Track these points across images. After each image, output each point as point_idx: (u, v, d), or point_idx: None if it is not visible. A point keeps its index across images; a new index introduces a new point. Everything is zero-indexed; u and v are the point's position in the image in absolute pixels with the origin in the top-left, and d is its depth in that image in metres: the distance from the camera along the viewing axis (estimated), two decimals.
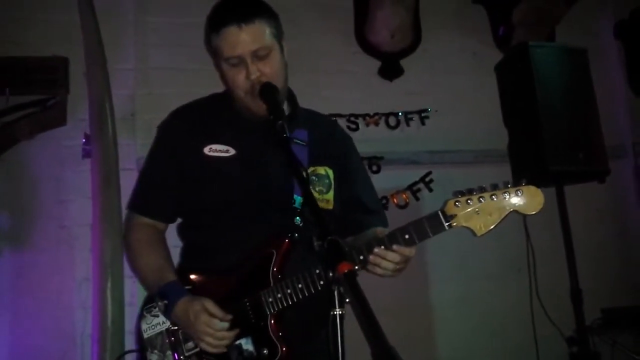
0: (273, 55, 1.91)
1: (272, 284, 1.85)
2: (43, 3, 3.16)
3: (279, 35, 1.95)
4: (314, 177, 1.99)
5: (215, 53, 1.95)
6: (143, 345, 1.96)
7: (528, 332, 3.25)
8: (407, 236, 1.78)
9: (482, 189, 1.78)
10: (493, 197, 1.76)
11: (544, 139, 2.94)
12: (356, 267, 1.32)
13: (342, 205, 2.06)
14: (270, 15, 1.93)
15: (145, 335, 1.95)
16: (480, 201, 1.76)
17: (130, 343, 2.73)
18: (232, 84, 1.93)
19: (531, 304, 3.26)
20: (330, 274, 1.32)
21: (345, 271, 1.28)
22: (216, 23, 1.90)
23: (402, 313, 3.15)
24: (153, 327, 1.95)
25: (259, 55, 1.87)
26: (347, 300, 1.30)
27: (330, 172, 2.03)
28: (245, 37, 1.85)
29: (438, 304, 3.36)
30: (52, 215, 3.00)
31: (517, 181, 1.79)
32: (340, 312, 1.32)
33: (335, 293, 1.32)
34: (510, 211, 1.77)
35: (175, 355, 1.91)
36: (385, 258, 1.77)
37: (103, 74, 3.01)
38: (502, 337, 3.35)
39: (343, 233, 2.03)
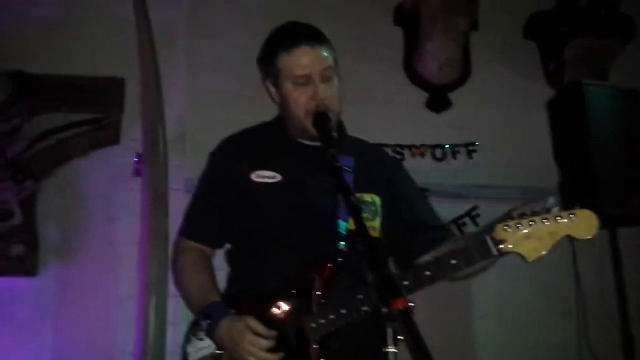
0: (335, 80, 1.95)
1: (314, 309, 1.84)
2: (101, 24, 3.28)
3: (337, 63, 1.99)
4: (360, 204, 1.98)
5: (277, 73, 1.97)
6: None
7: None
8: (453, 261, 1.74)
9: (533, 213, 1.70)
10: (544, 220, 1.67)
11: (596, 180, 2.88)
12: (411, 304, 1.28)
13: (405, 230, 2.04)
14: (331, 43, 1.99)
15: (190, 359, 1.96)
16: (530, 225, 1.67)
17: None
18: (293, 104, 1.95)
19: (580, 350, 3.16)
20: (385, 310, 1.29)
21: (401, 307, 1.25)
22: (288, 42, 1.94)
23: (442, 350, 3.07)
24: (198, 350, 1.95)
25: (325, 76, 1.91)
26: (400, 337, 1.27)
27: (377, 200, 2.03)
28: (316, 56, 1.90)
29: (481, 343, 3.28)
30: (101, 232, 3.07)
31: (569, 205, 1.70)
32: (393, 350, 1.29)
33: (389, 330, 1.29)
34: (563, 235, 1.67)
35: None
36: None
37: (157, 96, 3.08)
38: None
39: (413, 256, 2.00)
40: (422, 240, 2.01)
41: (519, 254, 1.70)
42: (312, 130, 1.91)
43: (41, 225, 3.03)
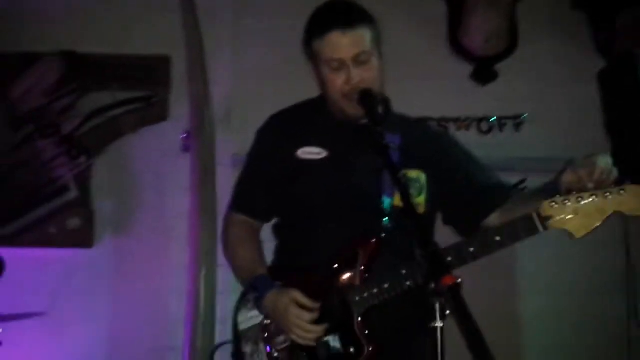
0: (372, 61, 1.93)
1: (358, 283, 1.87)
2: (149, 4, 3.33)
3: (378, 40, 1.97)
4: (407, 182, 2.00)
5: (315, 56, 1.99)
6: (238, 337, 2.03)
7: (622, 355, 3.10)
8: (497, 238, 1.72)
9: (581, 189, 1.65)
10: (593, 197, 1.63)
11: None
12: (459, 280, 1.29)
13: (465, 196, 2.01)
14: (371, 22, 1.95)
15: (241, 328, 2.02)
16: (578, 201, 1.63)
17: (220, 330, 2.86)
18: (330, 87, 1.96)
19: (628, 326, 3.11)
20: (433, 286, 1.31)
21: (450, 284, 1.26)
22: (320, 27, 1.93)
23: (488, 321, 3.07)
24: (248, 320, 2.01)
25: (359, 61, 1.90)
26: (448, 312, 1.29)
27: (423, 176, 2.03)
28: (348, 42, 1.88)
29: (527, 315, 3.26)
30: (152, 206, 3.18)
31: (619, 180, 1.64)
32: (441, 326, 1.31)
33: (437, 306, 1.30)
34: (612, 212, 1.62)
35: (268, 348, 1.97)
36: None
37: (203, 74, 3.14)
38: (594, 356, 3.21)
39: (478, 220, 1.99)
40: (484, 203, 1.98)
41: (566, 230, 1.67)
42: (350, 111, 1.93)
43: (96, 200, 3.16)
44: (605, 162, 1.63)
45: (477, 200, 2.00)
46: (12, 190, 3.14)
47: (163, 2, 3.29)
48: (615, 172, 1.64)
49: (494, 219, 1.98)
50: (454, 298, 1.25)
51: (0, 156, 3.16)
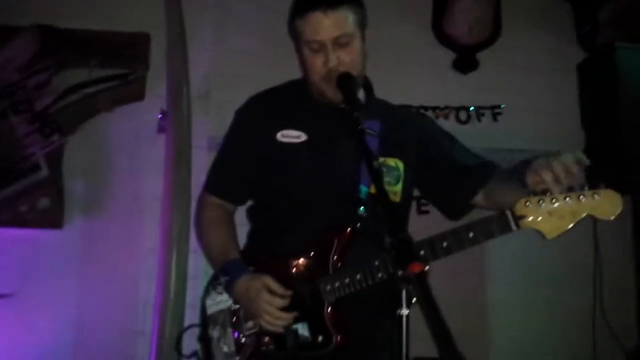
0: (354, 44, 1.91)
1: (330, 272, 1.86)
2: None
3: (362, 23, 1.95)
4: (383, 168, 1.98)
5: (297, 37, 1.97)
6: (206, 321, 2.02)
7: (587, 343, 3.14)
8: (471, 234, 1.74)
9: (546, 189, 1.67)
10: (567, 199, 1.66)
11: (623, 145, 2.83)
12: (427, 268, 1.29)
13: (450, 179, 2.03)
14: (355, 3, 1.94)
15: (209, 312, 2.02)
16: (552, 202, 1.67)
17: (190, 315, 2.84)
18: (310, 68, 1.95)
19: (593, 315, 3.14)
20: (400, 273, 1.31)
21: (417, 271, 1.26)
22: (302, 7, 1.92)
23: (457, 310, 3.08)
24: (217, 304, 2.01)
25: (340, 43, 1.88)
26: (414, 300, 1.29)
27: (401, 165, 2.02)
28: (329, 23, 1.86)
29: (495, 304, 3.28)
30: (125, 187, 3.12)
31: (594, 184, 1.68)
32: (407, 313, 1.31)
33: (404, 293, 1.30)
34: (584, 215, 1.67)
35: (235, 333, 1.96)
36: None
37: (182, 53, 3.09)
38: (560, 346, 3.24)
39: (465, 201, 2.02)
40: (468, 185, 2.00)
41: (538, 231, 1.70)
42: (329, 94, 1.91)
43: (67, 179, 3.09)
44: (563, 162, 1.61)
45: (460, 182, 2.02)
46: None
47: None
48: (575, 170, 1.62)
49: (479, 199, 1.99)
50: (421, 286, 1.25)
51: None
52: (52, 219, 3.03)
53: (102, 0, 3.23)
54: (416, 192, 2.93)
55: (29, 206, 3.02)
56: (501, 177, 1.93)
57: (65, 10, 3.18)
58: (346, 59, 1.89)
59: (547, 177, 1.61)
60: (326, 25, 1.86)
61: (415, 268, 1.26)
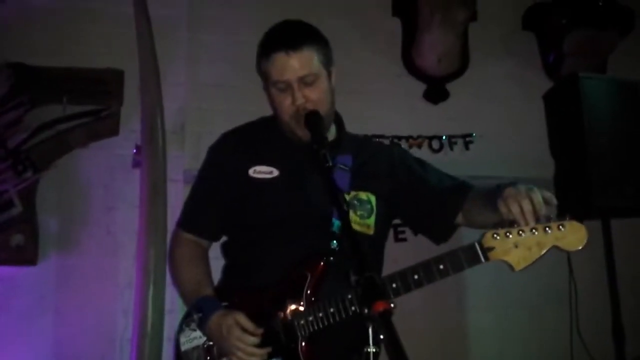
0: (319, 82, 1.94)
1: (304, 306, 1.87)
2: (101, 17, 3.29)
3: (327, 62, 1.98)
4: (355, 202, 2.01)
5: (264, 77, 2.00)
6: (179, 358, 2.01)
7: None
8: (441, 266, 1.76)
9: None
10: (533, 230, 1.70)
11: (590, 172, 2.89)
12: (392, 305, 1.31)
13: (427, 205, 2.06)
14: (319, 42, 1.97)
15: (183, 349, 2.00)
16: (520, 235, 1.70)
17: (167, 349, 2.82)
18: (279, 108, 1.98)
19: (571, 338, 3.17)
20: (365, 311, 1.32)
21: (381, 310, 1.27)
22: (266, 48, 1.95)
23: (436, 337, 3.13)
24: (190, 340, 1.99)
25: (305, 82, 1.91)
26: (382, 337, 1.30)
27: (373, 198, 2.04)
28: (293, 64, 1.89)
29: (474, 330, 3.32)
30: (100, 222, 3.11)
31: (560, 215, 1.72)
32: (374, 350, 1.32)
33: (370, 331, 1.32)
34: (551, 246, 1.70)
35: None
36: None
37: (156, 88, 3.10)
38: None
39: (446, 224, 2.04)
40: (448, 206, 2.02)
41: (506, 262, 1.73)
42: (299, 132, 1.94)
43: (41, 215, 3.07)
44: (532, 200, 1.67)
45: (439, 206, 2.04)
46: None
47: (116, 15, 3.25)
48: (543, 211, 1.68)
49: (459, 219, 2.02)
50: (384, 324, 1.26)
51: None
52: (26, 256, 3.00)
53: (74, 37, 3.25)
54: (395, 221, 2.99)
55: (2, 243, 2.99)
56: (478, 197, 1.96)
57: (36, 48, 3.19)
58: (313, 97, 1.92)
59: (515, 210, 1.67)
60: (290, 65, 1.89)
61: (379, 307, 1.27)
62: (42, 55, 3.17)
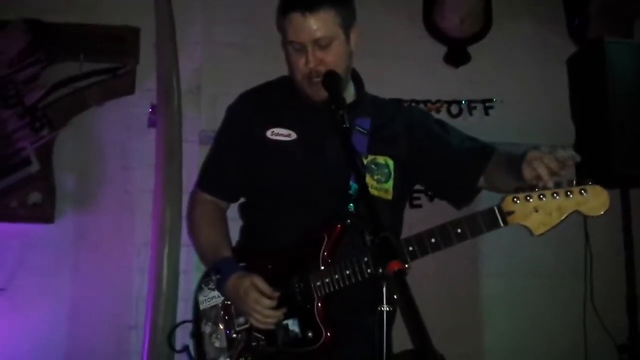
0: (335, 45, 1.90)
1: (321, 268, 1.87)
2: None
3: (346, 23, 1.93)
4: (373, 166, 1.99)
5: (282, 33, 1.97)
6: (198, 316, 2.04)
7: (579, 336, 3.17)
8: (459, 230, 1.74)
9: (543, 186, 1.69)
10: (555, 195, 1.66)
11: (612, 139, 2.84)
12: (406, 266, 1.30)
13: (449, 167, 2.03)
14: (339, 3, 1.92)
15: (201, 307, 2.03)
16: (540, 199, 1.67)
17: (181, 309, 2.86)
18: (293, 67, 1.96)
19: (584, 308, 3.17)
20: (380, 271, 1.32)
21: (395, 270, 1.27)
22: (284, 7, 1.92)
23: (449, 303, 3.14)
24: (209, 299, 2.02)
25: (320, 44, 1.88)
26: (395, 297, 1.30)
27: (390, 162, 2.02)
28: (308, 26, 1.86)
29: (487, 298, 3.31)
30: (116, 180, 3.12)
31: (581, 180, 1.68)
32: (387, 309, 1.32)
33: (384, 290, 1.31)
34: (572, 211, 1.67)
35: (227, 329, 1.97)
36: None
37: (172, 47, 3.08)
38: (551, 339, 3.27)
39: (470, 187, 2.02)
40: (470, 169, 2.00)
41: (525, 227, 1.71)
42: (310, 93, 1.92)
43: (58, 173, 3.08)
44: (557, 157, 1.63)
45: (461, 168, 2.01)
46: None
47: None
48: (569, 164, 1.65)
49: (481, 182, 2.00)
50: (399, 284, 1.25)
51: None
52: (43, 214, 3.03)
53: None
54: None
55: (20, 201, 3.02)
56: (501, 160, 1.93)
57: (53, 4, 3.17)
58: (327, 60, 1.89)
59: (542, 170, 1.63)
60: (306, 27, 1.86)
61: (394, 266, 1.27)
62: (58, 12, 3.14)
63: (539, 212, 1.69)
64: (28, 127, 3.08)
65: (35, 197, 3.02)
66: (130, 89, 3.20)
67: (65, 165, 3.10)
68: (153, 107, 3.08)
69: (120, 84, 3.20)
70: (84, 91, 3.15)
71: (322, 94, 1.86)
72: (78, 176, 3.12)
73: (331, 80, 1.86)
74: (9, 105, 3.11)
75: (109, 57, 3.19)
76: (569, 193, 1.66)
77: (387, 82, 3.20)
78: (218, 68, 3.25)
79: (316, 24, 1.86)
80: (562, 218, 1.68)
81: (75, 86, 3.14)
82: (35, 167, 3.04)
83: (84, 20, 3.15)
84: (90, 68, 3.14)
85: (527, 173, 1.67)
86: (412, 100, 3.34)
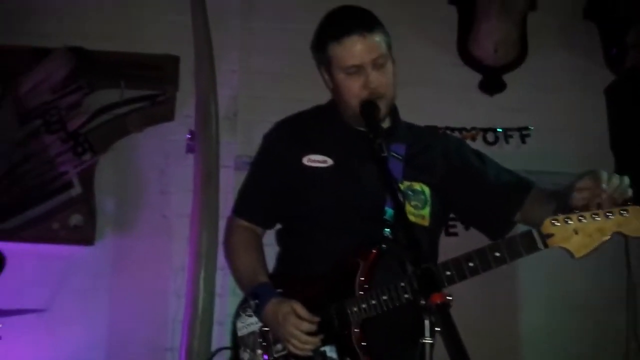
0: (388, 65, 1.94)
1: (357, 294, 1.87)
2: (159, 4, 3.35)
3: (390, 46, 1.97)
4: (409, 192, 1.98)
5: (328, 61, 1.98)
6: (236, 343, 2.03)
7: None
8: (497, 254, 1.71)
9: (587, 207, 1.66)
10: (594, 216, 1.62)
11: None
12: (449, 298, 1.30)
13: (485, 199, 2.02)
14: (383, 27, 1.96)
15: (239, 334, 2.03)
16: (580, 220, 1.63)
17: (216, 332, 2.87)
18: (346, 93, 1.95)
19: (627, 343, 3.09)
20: (422, 302, 1.31)
21: (439, 302, 1.26)
22: (338, 31, 1.92)
23: (488, 335, 3.08)
24: (247, 326, 2.02)
25: (377, 64, 1.90)
26: (438, 329, 1.29)
27: (427, 189, 2.02)
28: (367, 46, 1.88)
29: (526, 330, 3.24)
30: (154, 205, 3.18)
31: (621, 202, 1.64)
32: (430, 342, 1.31)
33: (426, 322, 1.30)
34: (613, 232, 1.62)
35: (265, 356, 1.97)
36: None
37: (210, 74, 3.14)
38: None
39: (505, 220, 1.99)
40: (507, 203, 1.98)
41: (566, 249, 1.67)
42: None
43: (98, 197, 3.16)
44: (614, 182, 1.62)
45: (498, 202, 1.99)
46: (17, 185, 3.15)
47: (174, 2, 3.30)
48: (627, 191, 1.63)
49: (517, 216, 1.98)
50: (442, 316, 1.24)
51: (6, 150, 3.17)
52: (84, 236, 3.11)
53: (131, 23, 3.32)
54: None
55: (62, 223, 3.10)
56: (539, 196, 1.91)
57: (95, 33, 3.28)
58: (383, 80, 1.91)
59: (590, 196, 1.63)
60: (365, 48, 1.88)
61: (437, 298, 1.26)
62: (100, 40, 3.25)
63: (579, 234, 1.65)
64: (71, 151, 3.18)
65: (76, 219, 3.10)
66: (169, 116, 3.27)
67: (106, 189, 3.19)
68: (191, 133, 3.15)
69: (160, 110, 3.28)
70: (125, 117, 3.24)
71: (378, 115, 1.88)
72: (118, 200, 3.20)
73: (368, 109, 1.87)
74: (52, 131, 3.21)
75: (149, 85, 3.28)
76: (609, 214, 1.63)
77: (422, 110, 3.20)
78: (254, 95, 3.32)
79: (374, 44, 1.89)
80: (604, 240, 1.64)
81: (116, 113, 3.23)
82: (77, 190, 3.12)
83: (125, 49, 3.25)
84: (131, 95, 3.24)
85: (577, 201, 1.65)
86: (447, 128, 3.33)
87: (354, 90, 1.92)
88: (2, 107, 3.19)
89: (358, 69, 1.90)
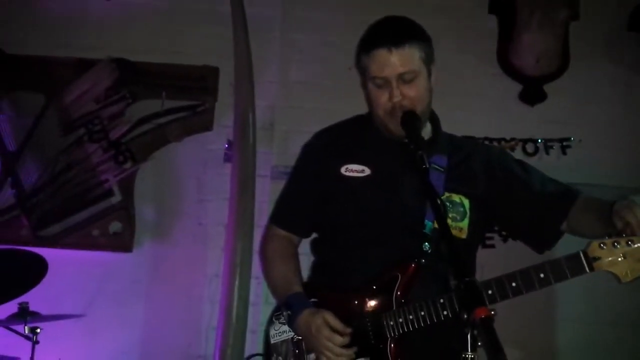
0: (419, 80, 1.91)
1: (394, 307, 1.85)
2: (201, 16, 3.40)
3: (428, 60, 1.94)
4: (448, 204, 1.95)
5: (363, 72, 1.99)
6: (269, 350, 2.03)
7: None
8: (542, 275, 1.69)
9: (632, 232, 1.63)
10: None
11: None
12: (493, 312, 1.27)
13: (529, 210, 1.98)
14: (422, 39, 1.93)
15: (272, 341, 2.02)
16: (629, 245, 1.61)
17: (250, 340, 2.88)
18: (374, 103, 1.96)
19: None
20: (465, 316, 1.29)
21: (482, 316, 1.23)
22: (368, 44, 1.93)
23: (523, 349, 3.00)
24: (280, 334, 2.01)
25: (404, 79, 1.88)
26: (480, 344, 1.26)
27: (466, 202, 1.98)
28: (394, 60, 1.87)
29: (562, 345, 3.17)
30: (191, 213, 3.23)
31: None
32: (472, 357, 1.28)
33: (469, 337, 1.28)
34: None
35: None
36: None
37: (249, 85, 3.18)
38: None
39: (551, 231, 1.97)
40: (553, 214, 1.94)
41: (612, 274, 1.65)
42: (392, 128, 1.92)
43: (138, 205, 3.22)
44: None
45: (543, 213, 1.96)
46: (59, 192, 3.23)
47: (214, 14, 3.36)
48: None
49: (564, 227, 1.94)
50: (486, 331, 1.22)
51: (50, 158, 3.26)
52: (123, 243, 3.17)
53: (172, 35, 3.38)
54: None
55: (101, 230, 3.17)
56: (586, 206, 1.88)
57: (138, 45, 3.35)
58: (410, 94, 1.89)
59: (632, 219, 1.61)
60: (391, 62, 1.87)
61: (481, 312, 1.24)
62: (143, 52, 3.32)
63: (627, 258, 1.63)
64: (112, 160, 3.25)
65: (116, 226, 3.17)
66: (208, 126, 3.32)
67: (145, 197, 3.24)
68: (229, 143, 3.18)
69: (199, 120, 3.33)
70: (165, 127, 3.30)
71: (401, 130, 1.86)
72: (156, 208, 3.26)
73: (409, 119, 1.86)
74: (94, 140, 3.29)
75: (189, 95, 3.34)
76: None
77: (461, 120, 3.17)
78: (291, 106, 3.34)
79: (401, 59, 1.87)
80: None
81: (157, 122, 3.30)
82: (117, 198, 3.19)
83: (166, 60, 3.32)
84: (171, 105, 3.30)
85: (617, 221, 1.64)
86: (486, 138, 3.29)
87: (380, 101, 1.92)
88: (46, 116, 3.29)
89: (385, 81, 1.89)
